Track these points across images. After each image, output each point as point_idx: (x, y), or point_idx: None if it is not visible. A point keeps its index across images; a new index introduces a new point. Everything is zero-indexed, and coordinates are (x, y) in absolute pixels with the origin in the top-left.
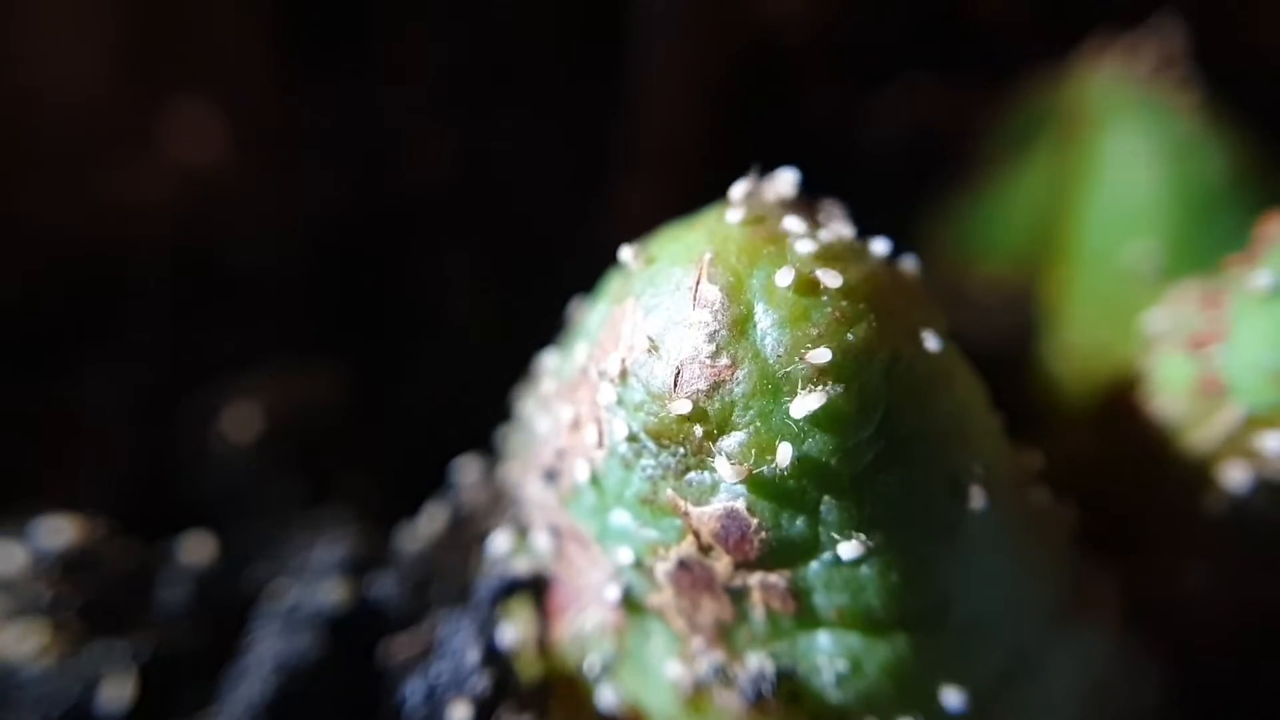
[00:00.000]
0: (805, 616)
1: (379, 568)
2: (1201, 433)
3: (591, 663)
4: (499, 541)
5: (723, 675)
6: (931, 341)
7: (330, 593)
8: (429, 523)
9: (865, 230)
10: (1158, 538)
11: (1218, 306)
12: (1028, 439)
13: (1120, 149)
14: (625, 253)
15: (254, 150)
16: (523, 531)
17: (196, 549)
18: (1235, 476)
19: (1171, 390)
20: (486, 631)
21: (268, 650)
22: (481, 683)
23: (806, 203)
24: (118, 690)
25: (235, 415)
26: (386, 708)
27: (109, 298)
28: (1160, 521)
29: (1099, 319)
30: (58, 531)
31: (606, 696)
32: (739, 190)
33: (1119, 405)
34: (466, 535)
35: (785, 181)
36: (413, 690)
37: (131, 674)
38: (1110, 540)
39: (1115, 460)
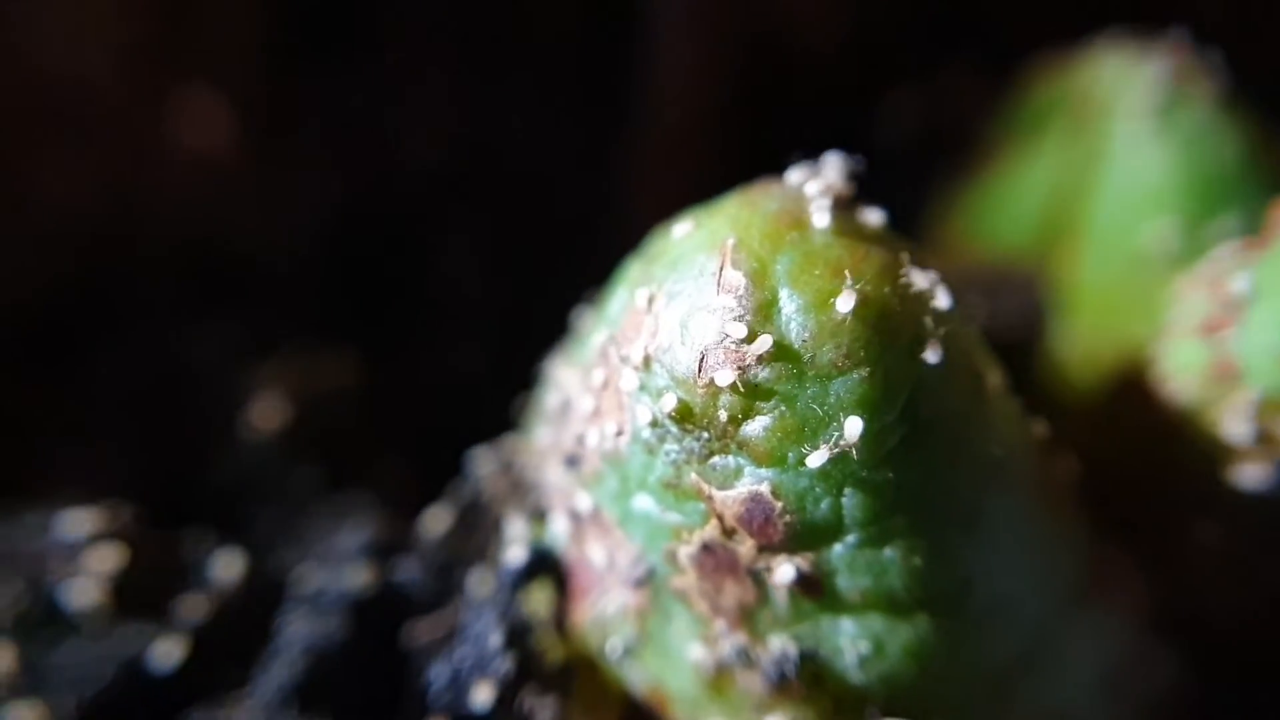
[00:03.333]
0: (828, 599)
1: (402, 552)
2: (1215, 417)
3: (613, 645)
4: (518, 527)
5: (745, 657)
6: (954, 325)
7: (355, 577)
8: (449, 509)
9: (887, 218)
10: (1168, 511)
11: (1230, 292)
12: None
13: (1132, 134)
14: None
15: (261, 137)
16: (542, 517)
17: (227, 566)
18: (1250, 462)
19: (1184, 375)
20: (508, 615)
21: (295, 634)
22: (505, 665)
23: (832, 189)
24: (169, 649)
25: (263, 404)
26: (411, 690)
27: (120, 286)
28: (1171, 501)
29: (1109, 303)
30: (89, 522)
31: (630, 678)
32: (799, 175)
33: (1129, 390)
34: (487, 522)
35: (831, 168)
36: (437, 674)
37: (184, 636)
38: (1123, 524)
39: (1126, 445)
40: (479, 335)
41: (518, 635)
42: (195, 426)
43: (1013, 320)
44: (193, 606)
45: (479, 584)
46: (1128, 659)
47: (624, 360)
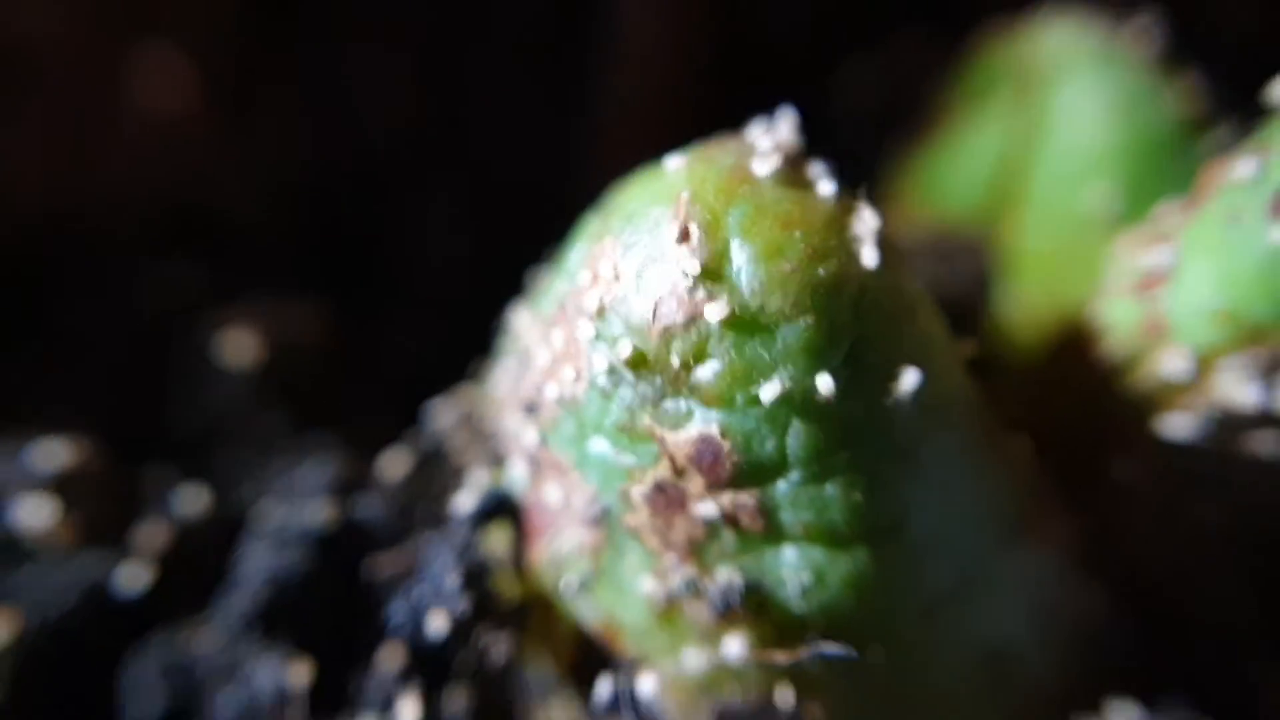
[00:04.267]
0: (772, 533)
1: (363, 491)
2: (1144, 371)
3: (569, 581)
4: (477, 471)
5: (694, 589)
6: (896, 276)
7: (317, 512)
8: (408, 454)
9: (837, 178)
10: (1099, 458)
11: (1164, 251)
12: (983, 381)
13: (1074, 100)
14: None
15: (226, 96)
16: (501, 462)
17: (191, 501)
18: (1176, 411)
19: (1118, 332)
20: (466, 555)
21: (257, 566)
22: (461, 605)
23: (785, 147)
24: (135, 574)
25: (233, 340)
26: (371, 625)
27: (87, 241)
28: (1103, 449)
29: (1052, 266)
30: (52, 455)
31: (583, 612)
32: (753, 132)
33: (1068, 348)
34: (447, 470)
35: (785, 126)
36: (396, 610)
37: (148, 563)
38: (1058, 472)
39: (1063, 399)
40: (444, 293)
41: (475, 575)
42: (162, 370)
43: (960, 284)
44: (155, 535)
45: (438, 526)
46: (1058, 594)
47: (581, 310)
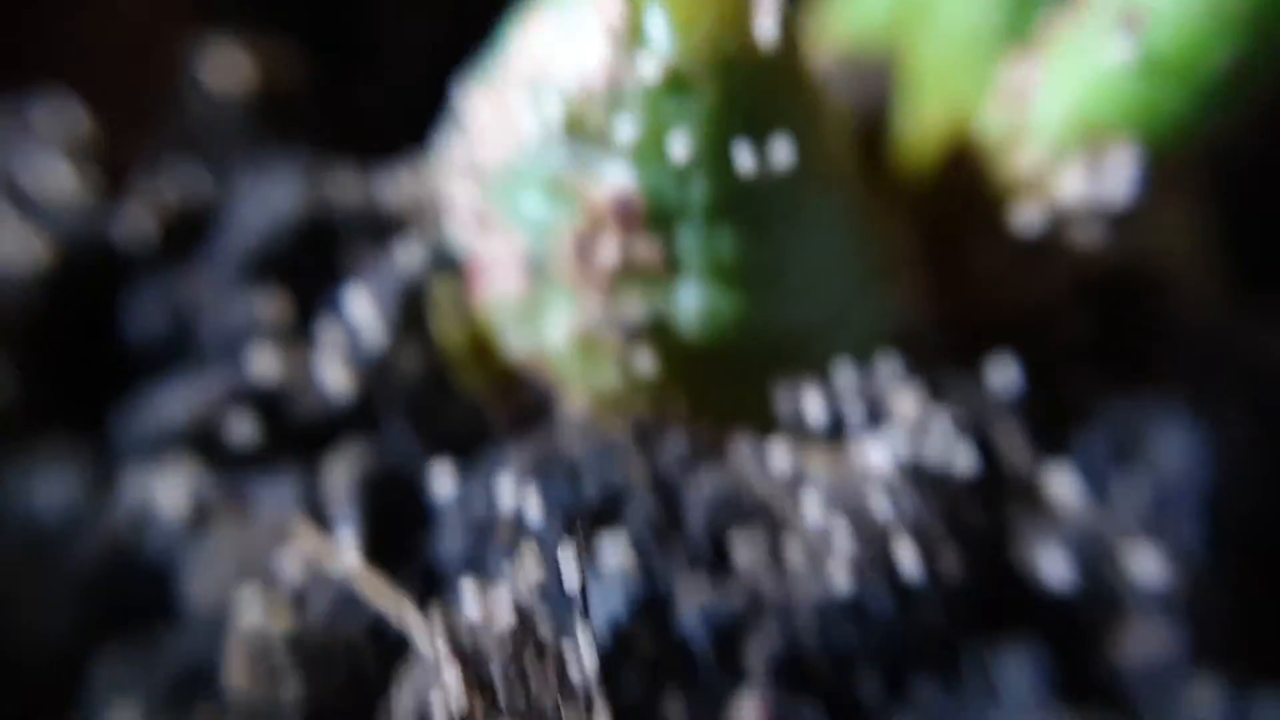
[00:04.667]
0: (674, 272)
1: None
2: (1005, 171)
3: (503, 320)
4: (426, 229)
5: (608, 320)
6: (795, 51)
7: (295, 191)
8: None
9: None
10: (964, 237)
11: (1036, 62)
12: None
13: None
14: None
15: None
16: (444, 221)
17: (183, 173)
18: (1026, 203)
19: (990, 138)
20: (403, 292)
21: (241, 226)
22: (381, 339)
23: None
24: (136, 224)
25: (221, 61)
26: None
27: None
28: (968, 230)
29: (948, 80)
30: (62, 115)
31: (515, 346)
32: None
33: (954, 157)
34: (396, 227)
35: None
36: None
37: (148, 214)
38: (930, 262)
39: (942, 201)
40: (411, 64)
41: (407, 308)
42: (150, 87)
43: (868, 101)
44: (152, 194)
45: (383, 271)
46: (904, 326)
47: (517, 80)
